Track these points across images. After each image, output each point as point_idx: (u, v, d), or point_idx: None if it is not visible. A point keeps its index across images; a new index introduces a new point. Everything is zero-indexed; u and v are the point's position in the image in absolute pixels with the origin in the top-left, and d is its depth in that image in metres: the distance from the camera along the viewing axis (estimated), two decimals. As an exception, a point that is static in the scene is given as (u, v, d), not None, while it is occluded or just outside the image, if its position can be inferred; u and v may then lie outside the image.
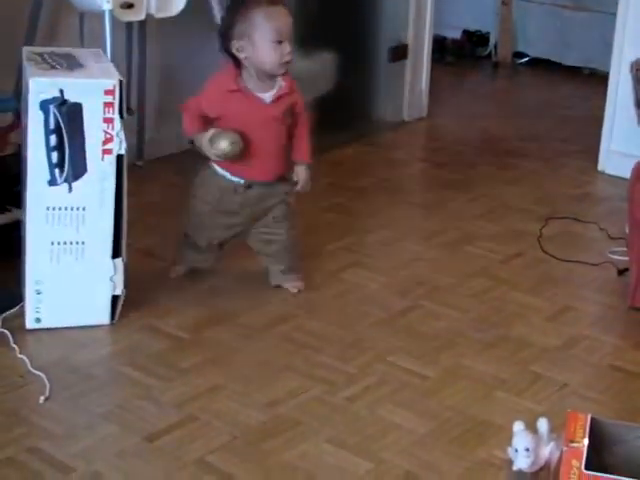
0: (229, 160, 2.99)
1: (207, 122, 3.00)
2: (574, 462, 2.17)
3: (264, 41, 2.92)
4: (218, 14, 3.70)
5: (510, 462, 2.37)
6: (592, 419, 2.28)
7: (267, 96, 3.01)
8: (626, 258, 3.39)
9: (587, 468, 2.18)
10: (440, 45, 6.50)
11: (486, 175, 4.45)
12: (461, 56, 6.65)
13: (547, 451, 2.36)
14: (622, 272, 3.42)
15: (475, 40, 6.78)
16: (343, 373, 2.78)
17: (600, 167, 4.55)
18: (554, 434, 2.38)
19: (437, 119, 5.28)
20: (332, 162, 4.50)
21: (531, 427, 2.41)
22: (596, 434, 2.29)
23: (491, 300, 3.25)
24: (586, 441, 2.20)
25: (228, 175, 3.08)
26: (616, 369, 2.89)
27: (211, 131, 2.96)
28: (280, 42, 2.93)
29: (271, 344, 2.94)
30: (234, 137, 2.95)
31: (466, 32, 6.80)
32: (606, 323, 3.10)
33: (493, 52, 6.70)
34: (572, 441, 2.20)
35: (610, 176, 4.38)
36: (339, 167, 4.46)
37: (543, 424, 2.41)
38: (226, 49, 2.99)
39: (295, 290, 3.23)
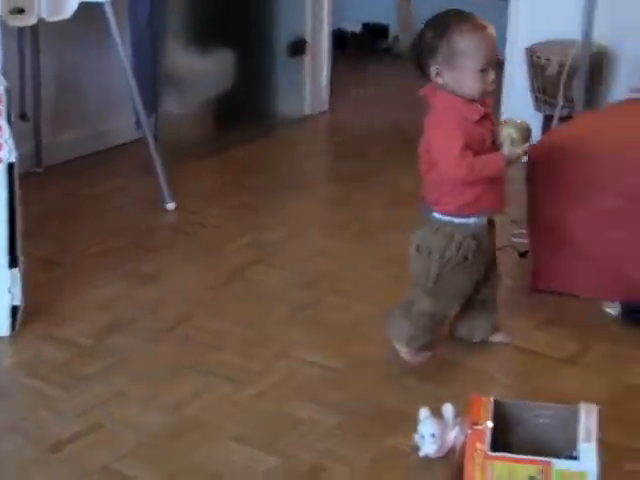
0: None
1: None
2: (478, 444, 2.19)
3: (468, 71, 2.62)
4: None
5: (417, 448, 2.39)
6: (495, 401, 2.30)
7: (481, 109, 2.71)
8: (527, 241, 3.41)
9: (492, 449, 2.19)
10: (340, 39, 6.48)
11: (390, 166, 4.45)
12: (362, 49, 6.66)
13: (453, 436, 2.38)
14: (523, 255, 3.45)
15: (375, 33, 6.80)
16: (248, 370, 2.76)
17: (501, 152, 4.58)
18: (459, 418, 2.39)
19: (339, 113, 5.28)
20: (234, 159, 4.47)
21: (438, 413, 2.43)
22: (500, 416, 2.30)
23: (396, 290, 3.22)
24: (490, 423, 2.21)
25: (471, 219, 2.73)
26: (520, 350, 2.92)
27: (505, 140, 2.67)
28: (484, 70, 2.64)
29: (174, 346, 2.91)
30: (512, 122, 2.72)
31: (366, 25, 6.81)
32: (509, 306, 3.12)
33: (393, 44, 6.72)
34: (476, 424, 2.22)
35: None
36: (242, 164, 4.43)
37: (448, 409, 2.42)
38: (421, 71, 2.71)
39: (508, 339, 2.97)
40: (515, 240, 3.58)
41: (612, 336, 2.99)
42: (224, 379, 2.71)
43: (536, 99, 4.19)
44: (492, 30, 2.66)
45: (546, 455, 2.25)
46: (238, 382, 2.70)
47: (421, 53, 2.69)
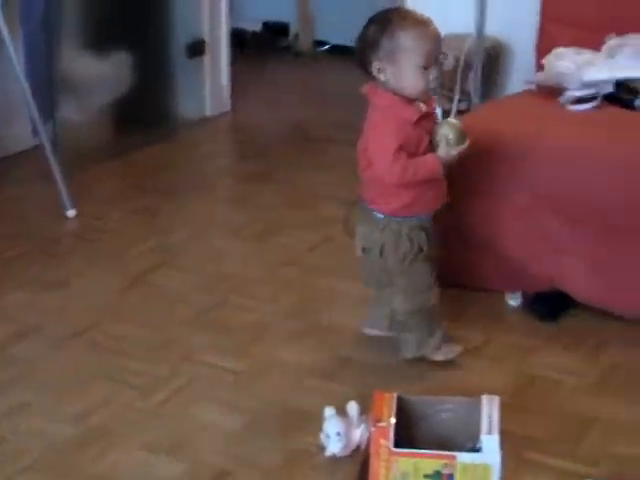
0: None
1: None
2: (382, 441, 2.20)
3: (411, 67, 2.59)
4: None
5: (323, 448, 2.39)
6: (398, 397, 2.31)
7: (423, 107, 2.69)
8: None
9: (396, 445, 2.21)
10: (240, 38, 6.47)
11: (293, 164, 4.46)
12: (262, 48, 6.64)
13: (358, 434, 2.39)
14: (426, 249, 3.48)
15: (276, 31, 6.79)
16: (153, 376, 2.74)
17: (402, 148, 4.62)
18: (364, 416, 2.41)
19: (241, 112, 5.26)
20: (135, 163, 4.43)
21: (343, 411, 2.44)
22: (403, 411, 2.32)
23: (300, 288, 3.27)
24: (393, 419, 2.23)
25: (419, 216, 2.74)
26: (425, 345, 2.94)
27: (442, 145, 2.65)
28: (426, 68, 2.62)
29: (80, 353, 2.88)
30: (447, 122, 2.70)
31: (266, 24, 6.80)
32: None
33: (294, 42, 6.72)
34: (379, 421, 2.23)
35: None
36: (143, 168, 4.39)
37: (353, 407, 2.44)
38: (363, 67, 2.69)
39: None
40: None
41: (513, 327, 3.04)
42: (130, 385, 2.69)
43: (434, 93, 4.22)
44: (435, 27, 2.65)
45: (451, 449, 2.28)
46: (144, 388, 2.68)
47: (363, 49, 2.66)
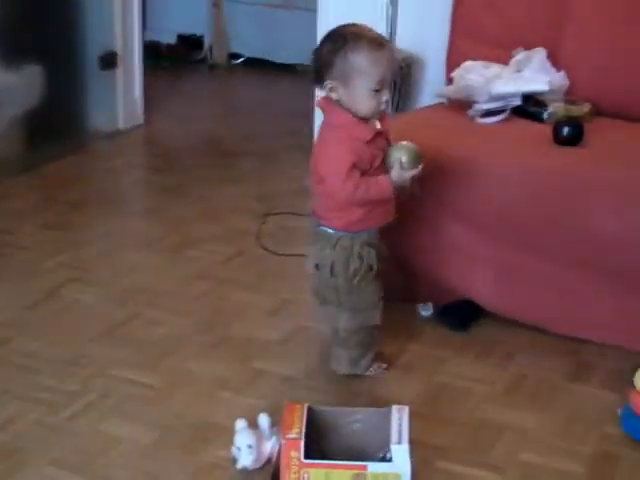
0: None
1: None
2: (293, 453, 2.21)
3: (363, 89, 2.58)
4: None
5: (235, 461, 2.39)
6: (309, 408, 2.32)
7: (378, 126, 2.70)
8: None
9: (307, 457, 2.22)
10: (155, 51, 6.46)
11: (206, 177, 4.45)
12: (177, 61, 6.64)
13: (269, 446, 2.40)
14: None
15: (190, 44, 6.78)
16: (63, 392, 2.71)
17: (315, 160, 4.65)
18: (275, 428, 2.41)
19: (155, 125, 5.24)
20: (46, 176, 4.38)
21: (254, 424, 2.44)
22: (315, 423, 2.33)
23: (212, 301, 3.26)
24: (303, 431, 2.23)
25: (367, 232, 2.74)
26: (336, 356, 2.96)
27: (394, 164, 2.66)
28: (379, 90, 2.60)
29: (-12, 370, 2.83)
30: (404, 145, 2.69)
31: (181, 36, 6.79)
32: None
33: (209, 55, 6.73)
34: (290, 432, 2.23)
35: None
36: (54, 181, 4.34)
37: (264, 419, 2.44)
38: (317, 83, 2.66)
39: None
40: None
41: (425, 337, 3.07)
42: (39, 402, 2.65)
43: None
44: (390, 49, 2.65)
45: (362, 459, 2.29)
46: (54, 404, 2.65)
47: (317, 66, 2.63)
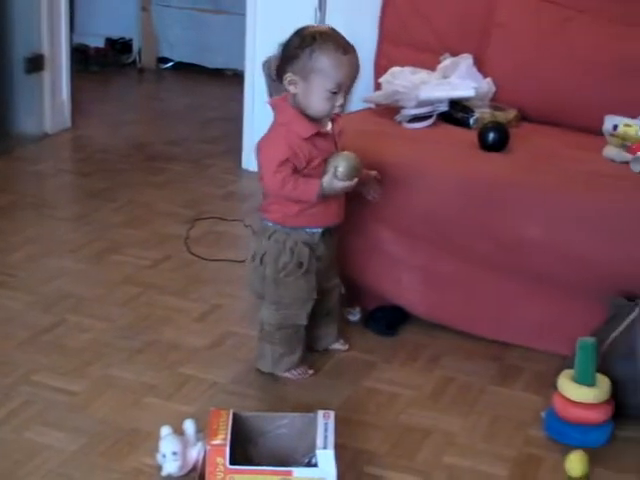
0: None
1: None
2: (218, 459, 2.21)
3: (320, 89, 2.64)
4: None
5: (160, 467, 2.37)
6: (234, 414, 2.32)
7: (329, 128, 2.76)
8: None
9: (233, 463, 2.21)
10: (83, 54, 6.41)
11: (133, 182, 4.42)
12: (106, 64, 6.59)
13: (195, 452, 2.38)
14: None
15: (119, 47, 6.73)
16: (-14, 399, 2.67)
17: (244, 165, 4.65)
18: (201, 434, 2.40)
19: (83, 129, 5.18)
20: (-31, 181, 4.32)
21: (180, 430, 2.42)
22: (240, 429, 2.32)
23: (139, 307, 3.23)
24: (228, 437, 2.23)
25: (306, 228, 2.77)
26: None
27: (329, 170, 2.68)
28: (335, 93, 2.65)
29: None
30: (346, 155, 2.70)
31: (109, 40, 6.74)
32: (253, 318, 3.14)
33: (137, 59, 6.69)
34: (215, 438, 2.23)
35: (253, 173, 4.39)
36: (-23, 186, 4.28)
37: (189, 426, 2.42)
38: (278, 76, 2.72)
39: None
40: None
41: (352, 342, 3.07)
42: (-39, 410, 2.62)
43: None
44: (354, 57, 2.68)
45: (288, 464, 2.30)
46: (-24, 412, 2.61)
47: (282, 58, 2.70)
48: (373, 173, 2.93)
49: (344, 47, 2.67)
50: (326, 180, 2.68)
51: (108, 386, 2.76)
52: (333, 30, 2.74)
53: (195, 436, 2.39)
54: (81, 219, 4.00)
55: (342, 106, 2.70)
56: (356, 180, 2.71)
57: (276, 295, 2.81)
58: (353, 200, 2.90)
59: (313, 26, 2.78)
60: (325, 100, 2.66)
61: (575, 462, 2.44)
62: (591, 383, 2.61)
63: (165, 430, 2.40)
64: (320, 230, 2.79)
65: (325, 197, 2.71)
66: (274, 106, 2.78)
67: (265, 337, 2.85)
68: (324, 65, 2.63)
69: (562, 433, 2.62)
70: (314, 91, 2.66)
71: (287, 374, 2.85)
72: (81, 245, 3.70)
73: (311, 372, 2.88)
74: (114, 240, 3.75)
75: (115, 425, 2.58)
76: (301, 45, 2.66)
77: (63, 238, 3.80)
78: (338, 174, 2.68)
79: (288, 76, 2.68)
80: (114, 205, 4.11)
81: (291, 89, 2.69)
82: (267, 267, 2.79)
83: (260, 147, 2.76)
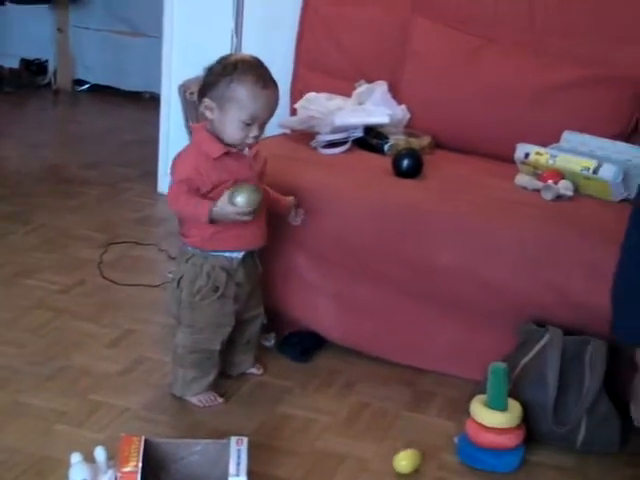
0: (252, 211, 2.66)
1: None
2: (130, 487, 2.17)
3: (234, 119, 2.65)
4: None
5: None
6: (146, 441, 2.29)
7: (247, 152, 2.76)
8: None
9: (144, 491, 2.18)
10: (-3, 75, 6.34)
11: (46, 205, 4.35)
12: (20, 85, 6.51)
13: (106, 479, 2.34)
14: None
15: (34, 69, 6.66)
16: None
17: (160, 189, 4.61)
18: (112, 461, 2.36)
19: (-5, 151, 5.11)
20: None
21: (91, 457, 2.38)
22: (152, 455, 2.30)
23: (50, 332, 3.18)
24: (140, 464, 2.20)
25: (225, 253, 2.77)
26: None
27: (225, 194, 2.63)
28: (249, 125, 2.66)
29: None
30: (250, 185, 2.66)
31: (24, 60, 6.66)
32: (167, 343, 3.10)
33: (53, 80, 6.61)
34: (126, 465, 2.20)
35: (168, 197, 4.41)
36: None
37: (100, 453, 2.38)
38: (198, 98, 2.73)
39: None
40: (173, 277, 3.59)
41: (266, 368, 3.06)
42: None
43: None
44: (274, 92, 2.69)
45: (200, 491, 2.27)
46: None
47: (203, 83, 2.72)
48: (290, 199, 2.93)
49: (264, 81, 2.68)
50: (219, 204, 2.65)
51: (16, 413, 2.70)
52: (258, 61, 2.73)
53: (106, 463, 2.35)
54: (-9, 242, 3.93)
55: (256, 137, 2.71)
56: (250, 212, 2.65)
57: (191, 319, 2.80)
58: (269, 224, 2.89)
59: (239, 55, 2.83)
60: (239, 130, 2.67)
61: (404, 459, 2.58)
62: (503, 408, 2.63)
63: (75, 457, 2.35)
64: (239, 255, 2.78)
65: (216, 222, 2.67)
66: (192, 129, 2.82)
67: (177, 360, 2.84)
68: (241, 96, 2.64)
69: (475, 458, 2.64)
70: (228, 120, 2.67)
71: (194, 400, 2.83)
72: (-9, 269, 3.64)
73: (221, 400, 2.86)
74: (26, 264, 3.68)
75: (24, 453, 2.52)
76: (222, 72, 2.67)
77: (-28, 262, 3.74)
78: (235, 201, 2.63)
79: (206, 101, 2.69)
80: (27, 228, 4.05)
81: (207, 114, 2.70)
82: (183, 290, 2.78)
83: (172, 163, 2.77)
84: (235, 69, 2.67)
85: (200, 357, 2.82)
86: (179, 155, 2.76)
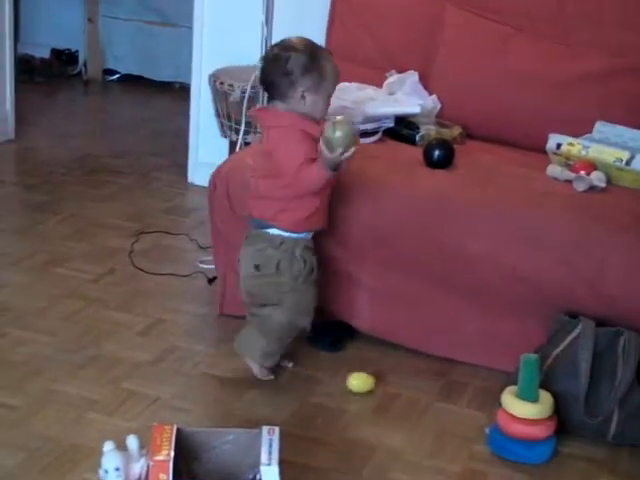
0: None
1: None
2: (162, 475, 2.18)
3: (325, 95, 2.79)
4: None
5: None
6: (178, 430, 2.29)
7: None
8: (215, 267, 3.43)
9: (176, 479, 2.19)
10: (28, 65, 6.34)
11: (77, 194, 4.37)
12: (51, 75, 6.51)
13: (138, 468, 2.35)
14: (212, 281, 3.48)
15: (64, 59, 6.67)
16: None
17: (190, 179, 4.62)
18: (144, 449, 2.37)
19: (26, 140, 5.11)
20: None
21: (123, 446, 2.39)
22: (184, 444, 2.30)
23: (81, 321, 3.19)
24: (172, 453, 2.20)
25: (309, 234, 2.87)
26: (209, 377, 2.94)
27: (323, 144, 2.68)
28: (330, 97, 2.83)
29: None
30: (336, 121, 2.71)
31: (55, 51, 6.67)
32: (197, 333, 3.13)
33: (83, 70, 6.62)
34: (158, 454, 2.20)
35: (199, 187, 4.41)
36: None
37: (132, 441, 2.39)
38: (279, 90, 2.77)
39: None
40: (204, 267, 3.60)
41: (298, 358, 3.06)
42: None
43: (222, 125, 4.23)
44: None
45: (232, 480, 2.28)
46: None
47: (284, 75, 2.74)
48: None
49: (329, 51, 2.89)
50: (323, 155, 2.68)
51: (49, 401, 2.72)
52: (307, 39, 2.85)
53: (138, 452, 2.36)
54: (23, 231, 3.95)
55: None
56: (350, 142, 2.71)
57: (292, 300, 2.84)
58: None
59: (293, 40, 2.82)
60: (326, 104, 2.82)
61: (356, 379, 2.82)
62: (534, 399, 2.62)
63: (108, 445, 2.36)
64: (310, 235, 2.87)
65: (334, 171, 2.72)
66: (257, 115, 2.94)
67: (266, 332, 2.88)
68: (330, 71, 2.78)
69: (506, 449, 2.63)
70: (322, 98, 2.78)
71: (258, 370, 2.91)
72: (23, 258, 3.66)
73: (272, 377, 2.93)
74: (57, 253, 3.70)
75: (56, 441, 2.54)
76: (310, 59, 2.75)
77: (5, 250, 3.75)
78: (332, 141, 2.66)
79: (300, 91, 2.74)
80: (58, 218, 4.06)
81: (301, 103, 2.76)
82: (284, 275, 2.82)
83: (277, 151, 2.76)
84: (316, 51, 2.79)
85: (289, 334, 2.90)
86: (283, 140, 2.75)
